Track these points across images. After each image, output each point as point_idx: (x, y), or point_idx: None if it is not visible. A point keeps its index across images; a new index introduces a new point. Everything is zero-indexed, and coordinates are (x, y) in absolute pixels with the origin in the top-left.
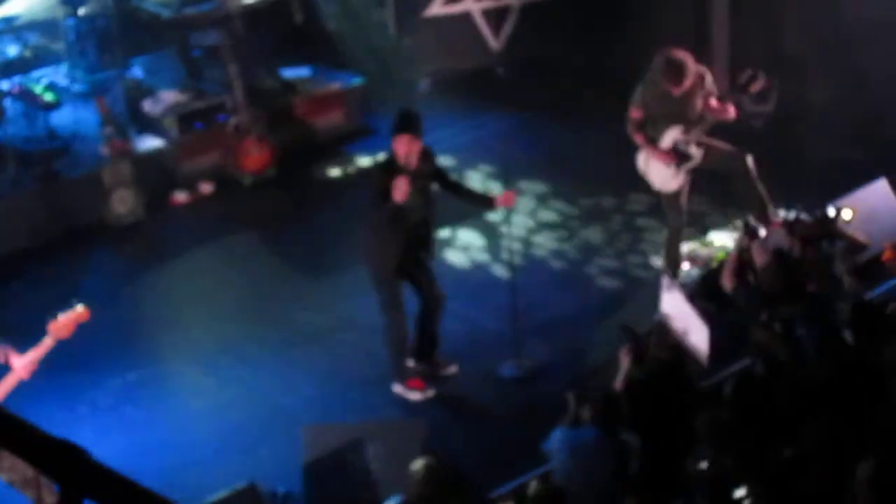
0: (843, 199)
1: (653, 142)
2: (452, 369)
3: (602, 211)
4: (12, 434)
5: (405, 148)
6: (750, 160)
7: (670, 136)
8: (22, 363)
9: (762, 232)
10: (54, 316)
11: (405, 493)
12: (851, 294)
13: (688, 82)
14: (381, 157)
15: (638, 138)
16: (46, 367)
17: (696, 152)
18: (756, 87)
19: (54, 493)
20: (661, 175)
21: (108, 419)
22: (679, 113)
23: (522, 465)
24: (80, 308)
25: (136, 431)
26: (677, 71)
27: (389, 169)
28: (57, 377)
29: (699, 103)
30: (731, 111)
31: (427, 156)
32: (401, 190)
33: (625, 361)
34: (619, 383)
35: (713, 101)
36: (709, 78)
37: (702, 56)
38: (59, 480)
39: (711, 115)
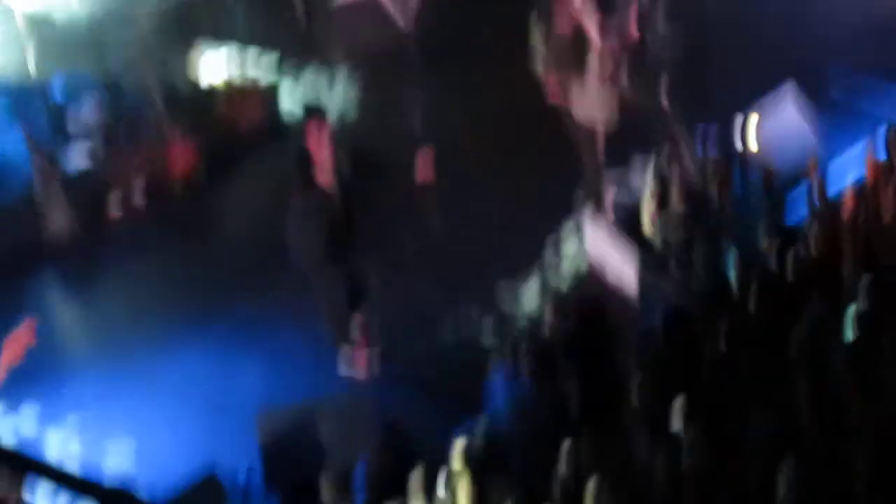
0: (750, 114)
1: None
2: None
3: (526, 159)
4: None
5: (315, 137)
6: (663, 86)
7: (588, 75)
8: None
9: (674, 168)
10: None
11: (366, 464)
12: (768, 221)
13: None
14: (295, 148)
15: (558, 94)
16: None
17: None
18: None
19: None
20: (599, 111)
21: (66, 427)
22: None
23: (467, 423)
24: (24, 331)
25: (94, 436)
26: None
27: (305, 158)
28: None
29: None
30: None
31: (338, 140)
32: (323, 172)
33: (549, 317)
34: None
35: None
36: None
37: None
38: None
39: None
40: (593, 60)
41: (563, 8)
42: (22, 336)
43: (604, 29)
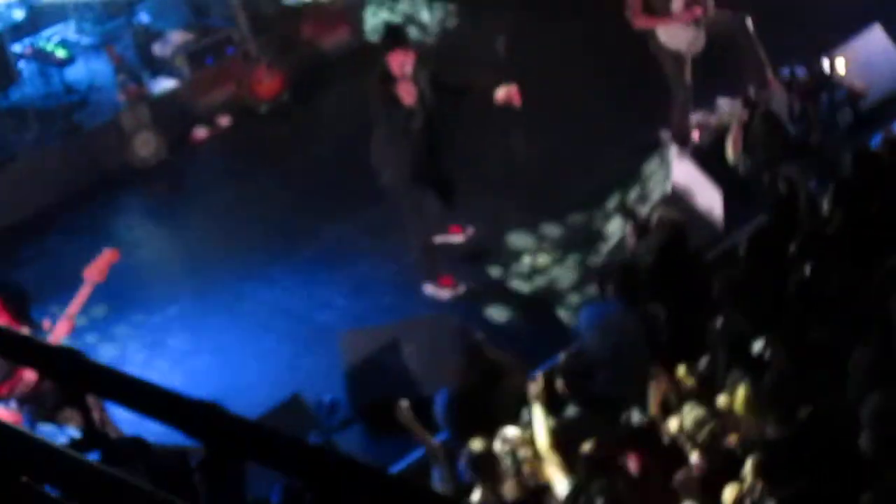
0: (838, 50)
1: (659, 11)
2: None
3: (611, 87)
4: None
5: (399, 61)
6: (749, 22)
7: (673, 8)
8: (64, 320)
9: (761, 96)
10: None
11: (450, 385)
12: (854, 143)
13: None
14: (377, 70)
15: (647, 21)
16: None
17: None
18: None
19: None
20: (685, 37)
21: (154, 353)
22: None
23: (555, 348)
24: (109, 250)
25: (181, 362)
26: None
27: (388, 79)
28: (100, 321)
29: None
30: None
31: (421, 63)
32: (408, 92)
33: (631, 240)
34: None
35: None
36: None
37: None
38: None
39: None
40: None
41: None
42: (105, 259)
43: None
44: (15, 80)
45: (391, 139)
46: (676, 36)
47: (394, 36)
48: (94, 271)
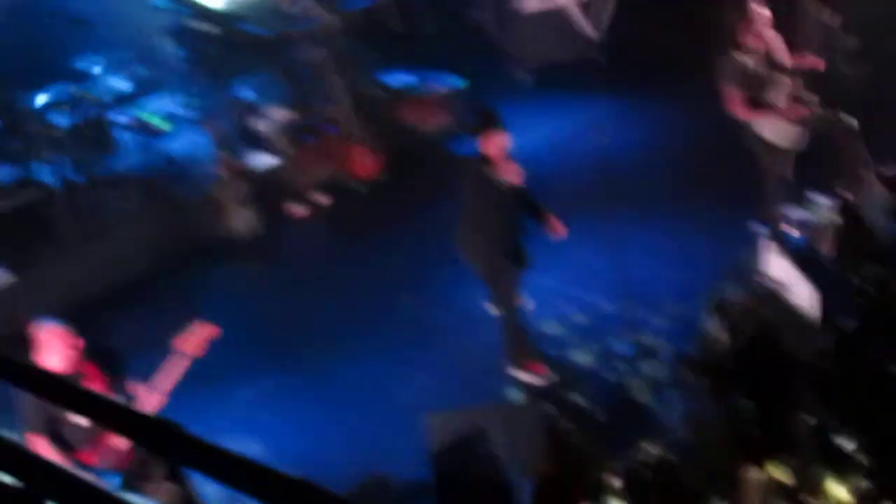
0: None
1: (762, 104)
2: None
3: (707, 177)
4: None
5: (496, 143)
6: (849, 120)
7: (776, 94)
8: (157, 391)
9: (858, 195)
10: (181, 335)
11: (534, 473)
12: None
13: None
14: (472, 153)
15: (750, 113)
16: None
17: (789, 134)
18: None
19: None
20: (787, 132)
21: (243, 430)
22: (770, 75)
23: (641, 438)
24: (207, 325)
25: (265, 437)
26: (766, 65)
27: (486, 162)
28: (190, 391)
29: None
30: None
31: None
32: (513, 171)
33: (722, 334)
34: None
35: (799, 57)
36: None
37: (792, 25)
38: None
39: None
40: (780, 79)
41: (751, 25)
42: (203, 334)
43: (793, 48)
44: (115, 150)
45: (482, 222)
46: (778, 130)
47: (487, 118)
48: (191, 345)
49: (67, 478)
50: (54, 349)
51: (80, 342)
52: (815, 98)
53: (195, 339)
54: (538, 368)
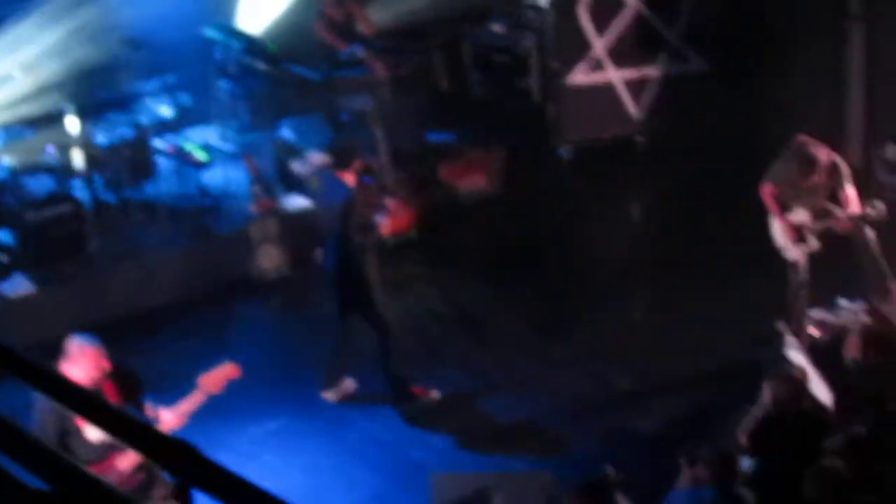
0: None
1: (784, 209)
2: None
3: (732, 272)
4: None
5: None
6: (868, 231)
7: (797, 216)
8: (174, 415)
9: (882, 304)
10: (204, 368)
11: None
12: None
13: (818, 177)
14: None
15: (769, 204)
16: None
17: (814, 243)
18: (891, 157)
19: None
20: (783, 241)
21: (247, 466)
22: (807, 200)
23: None
24: (231, 365)
25: (273, 479)
26: (808, 165)
27: None
28: (200, 424)
29: (827, 195)
30: (858, 207)
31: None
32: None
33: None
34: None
35: (846, 192)
36: (843, 169)
37: (837, 131)
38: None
39: (838, 214)
40: (816, 182)
41: (814, 159)
42: (225, 372)
43: (830, 154)
44: (152, 176)
45: None
46: (787, 247)
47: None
48: (212, 382)
49: (94, 484)
50: (82, 364)
51: (108, 364)
52: (845, 204)
53: (219, 377)
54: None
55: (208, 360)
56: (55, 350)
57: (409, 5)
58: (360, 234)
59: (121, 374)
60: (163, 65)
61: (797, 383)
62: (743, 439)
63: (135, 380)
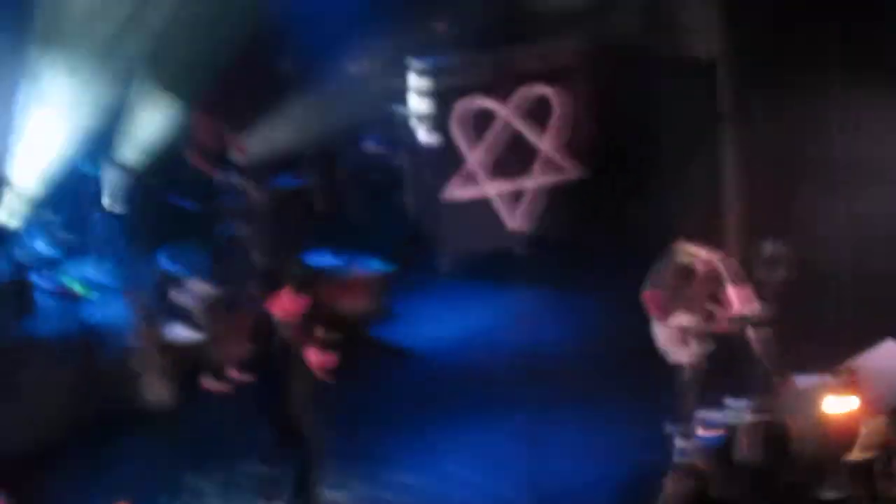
0: (852, 361)
1: (666, 312)
2: None
3: (614, 381)
4: None
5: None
6: (750, 333)
7: (679, 320)
8: None
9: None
10: None
11: None
12: None
13: (697, 281)
14: None
15: (651, 309)
16: None
17: (698, 345)
18: (769, 254)
19: None
20: (667, 345)
21: None
22: (688, 304)
23: None
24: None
25: None
26: (686, 270)
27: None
28: None
29: (708, 297)
30: (742, 305)
31: None
32: None
33: None
34: None
35: (727, 293)
36: (725, 269)
37: (717, 231)
38: None
39: (718, 315)
40: (695, 286)
41: (691, 268)
42: None
43: (710, 256)
44: (35, 313)
45: None
46: (672, 351)
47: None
48: None
49: None
50: None
51: None
52: (730, 309)
53: None
54: None
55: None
56: None
57: (282, 132)
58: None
59: None
60: (41, 202)
61: (700, 474)
62: None
63: None
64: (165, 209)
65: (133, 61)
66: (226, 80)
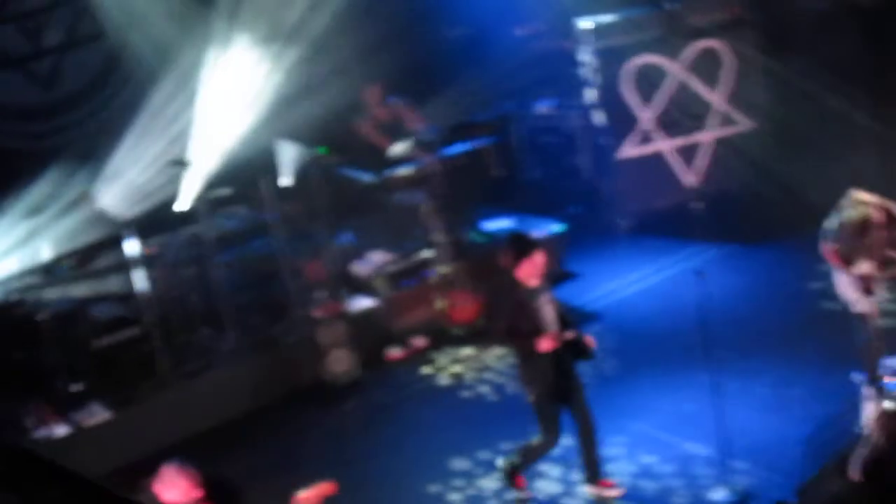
0: None
1: (848, 263)
2: (614, 492)
3: (799, 334)
4: None
5: (535, 265)
6: None
7: (861, 268)
8: None
9: None
10: (284, 481)
11: None
12: None
13: (876, 230)
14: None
15: (832, 261)
16: None
17: (881, 294)
18: None
19: None
20: (848, 295)
21: None
22: (869, 252)
23: None
24: (326, 483)
25: None
26: (864, 220)
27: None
28: None
29: (888, 244)
30: None
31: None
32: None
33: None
34: None
35: None
36: None
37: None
38: None
39: None
40: (875, 234)
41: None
42: (321, 491)
43: (884, 203)
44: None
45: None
46: (853, 301)
47: (522, 243)
48: (308, 502)
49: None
50: (178, 487)
51: (200, 490)
52: None
53: (313, 496)
54: (608, 484)
55: (287, 472)
56: (137, 473)
57: (455, 100)
58: None
59: (216, 489)
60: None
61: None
62: (856, 476)
63: (233, 494)
64: (344, 184)
65: (313, 40)
66: (398, 52)
